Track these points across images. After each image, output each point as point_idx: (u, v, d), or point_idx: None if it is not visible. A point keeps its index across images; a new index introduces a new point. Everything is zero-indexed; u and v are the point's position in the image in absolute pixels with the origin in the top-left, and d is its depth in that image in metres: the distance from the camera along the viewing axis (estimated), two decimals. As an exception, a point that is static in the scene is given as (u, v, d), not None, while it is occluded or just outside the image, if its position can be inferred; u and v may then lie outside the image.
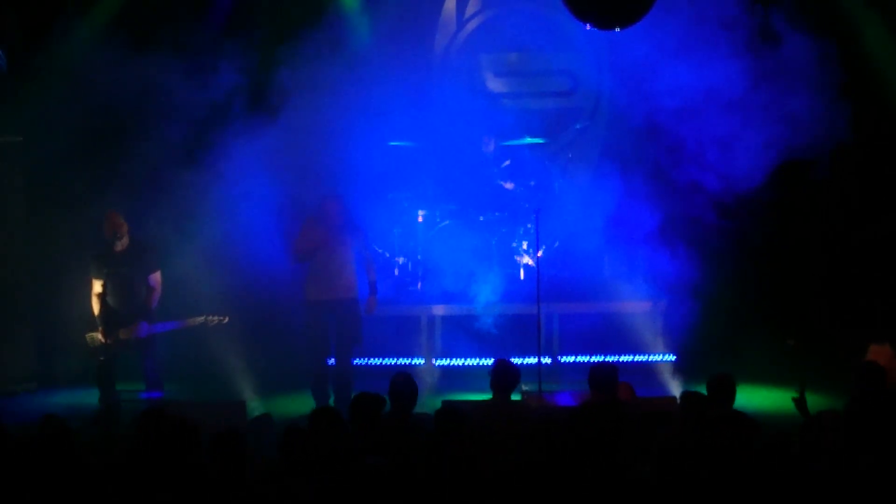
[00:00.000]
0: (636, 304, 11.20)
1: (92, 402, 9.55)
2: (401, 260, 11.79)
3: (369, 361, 11.12)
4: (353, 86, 11.51)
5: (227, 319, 9.56)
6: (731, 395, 6.64)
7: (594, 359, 10.98)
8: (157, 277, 9.50)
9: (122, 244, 9.34)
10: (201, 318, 9.52)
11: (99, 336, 9.31)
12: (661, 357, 11.08)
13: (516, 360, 10.03)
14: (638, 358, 11.04)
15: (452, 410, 6.27)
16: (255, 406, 9.34)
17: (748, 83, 10.80)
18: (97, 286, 9.34)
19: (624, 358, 10.99)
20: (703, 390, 6.58)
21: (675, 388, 10.07)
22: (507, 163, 11.76)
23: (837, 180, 11.49)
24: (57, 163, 11.28)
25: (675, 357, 11.08)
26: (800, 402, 6.79)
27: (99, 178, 11.02)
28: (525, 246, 11.57)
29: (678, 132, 10.94)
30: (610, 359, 10.92)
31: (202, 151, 10.72)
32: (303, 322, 9.88)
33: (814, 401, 9.12)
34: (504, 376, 7.31)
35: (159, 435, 5.66)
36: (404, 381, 6.96)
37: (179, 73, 10.95)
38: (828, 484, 5.27)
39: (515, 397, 7.59)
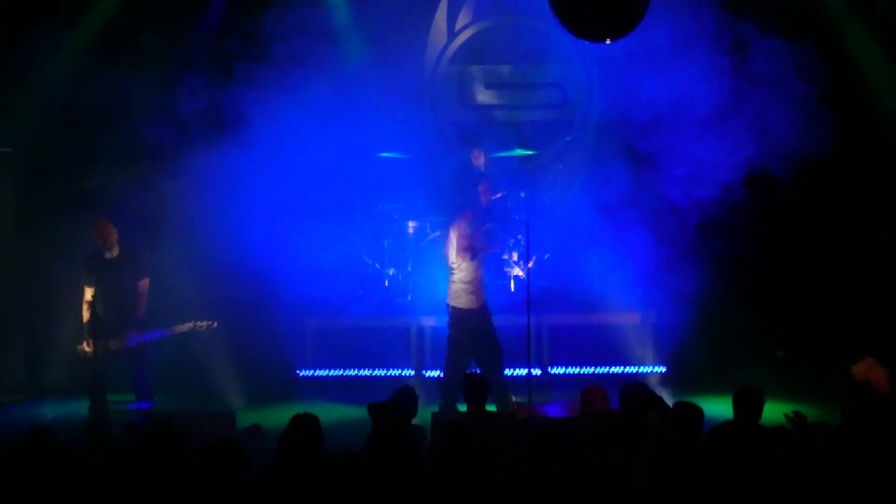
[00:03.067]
0: (626, 316, 11.21)
1: (80, 413, 9.51)
2: (391, 271, 11.79)
3: (359, 373, 11.12)
4: (344, 97, 11.54)
5: (216, 324, 9.50)
6: (759, 409, 6.62)
7: (584, 370, 11.02)
8: (144, 284, 9.44)
9: (111, 251, 9.31)
10: (189, 325, 9.46)
11: (86, 347, 9.25)
12: (651, 368, 11.09)
13: (506, 372, 10.08)
14: (628, 369, 11.05)
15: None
16: (246, 417, 9.30)
17: (737, 95, 10.84)
18: (88, 293, 9.30)
19: (614, 369, 11.01)
20: (695, 401, 6.57)
21: (665, 400, 10.05)
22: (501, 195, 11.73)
23: (825, 191, 11.55)
24: (46, 173, 11.27)
25: (664, 368, 11.10)
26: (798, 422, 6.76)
27: (88, 187, 11.00)
28: (515, 257, 11.58)
29: (667, 144, 10.98)
30: (600, 370, 10.98)
31: (194, 161, 10.71)
32: (453, 332, 9.67)
33: (803, 412, 9.17)
34: (473, 388, 7.39)
35: (145, 447, 5.65)
36: (408, 395, 7.04)
37: (170, 83, 10.98)
38: (822, 495, 5.29)
39: (490, 408, 7.65)
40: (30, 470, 5.60)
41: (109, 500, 5.41)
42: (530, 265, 10.45)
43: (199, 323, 9.45)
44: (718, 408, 9.11)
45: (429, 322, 11.28)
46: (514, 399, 9.71)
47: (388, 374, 11.07)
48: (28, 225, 11.43)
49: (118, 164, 11.21)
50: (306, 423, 6.09)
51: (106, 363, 9.28)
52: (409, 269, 11.67)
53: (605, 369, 11.04)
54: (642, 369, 11.05)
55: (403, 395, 7.12)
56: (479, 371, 9.46)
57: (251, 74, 11.00)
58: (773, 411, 9.50)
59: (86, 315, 9.31)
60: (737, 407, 6.62)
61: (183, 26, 11.43)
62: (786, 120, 10.64)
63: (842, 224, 11.71)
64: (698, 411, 6.33)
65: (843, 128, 10.94)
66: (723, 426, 5.92)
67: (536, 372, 10.62)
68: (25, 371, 11.28)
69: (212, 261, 11.06)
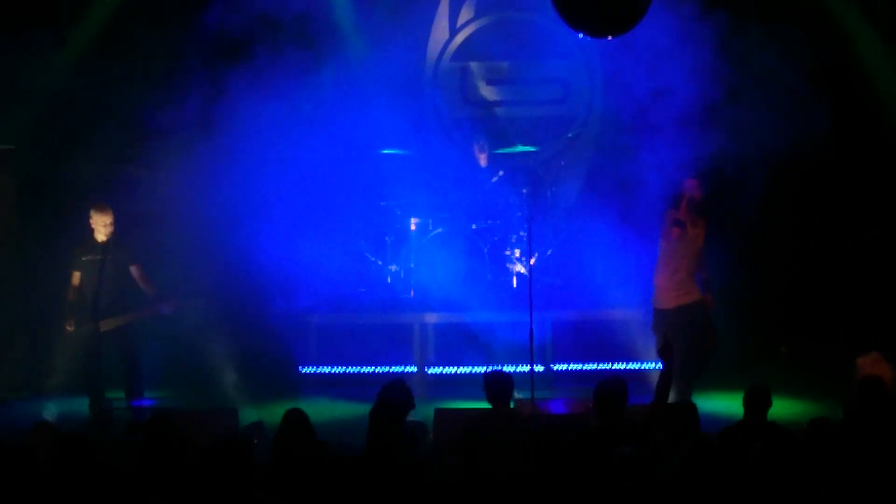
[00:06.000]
0: (629, 312, 11.17)
1: (83, 411, 9.52)
2: (393, 268, 11.78)
3: (362, 369, 11.12)
4: (346, 93, 11.54)
5: (200, 303, 9.57)
6: (766, 406, 6.58)
7: (588, 366, 11.01)
8: (137, 270, 9.52)
9: (105, 235, 9.39)
10: (174, 304, 9.51)
11: (68, 327, 9.32)
12: (653, 364, 11.05)
13: (509, 369, 10.04)
14: (630, 366, 11.02)
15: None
16: (248, 414, 9.29)
17: (737, 89, 10.83)
18: (75, 277, 9.41)
19: (616, 365, 10.98)
20: (698, 397, 6.56)
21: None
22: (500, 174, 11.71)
23: (831, 186, 11.54)
24: (49, 171, 11.27)
25: (667, 365, 11.07)
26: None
27: (90, 185, 11.02)
28: (517, 254, 11.57)
29: (669, 139, 10.96)
30: (603, 367, 10.96)
31: (197, 156, 10.73)
32: (684, 330, 9.14)
33: (806, 408, 9.18)
34: (500, 385, 7.33)
35: (156, 444, 5.65)
36: (398, 389, 6.95)
37: (171, 79, 10.99)
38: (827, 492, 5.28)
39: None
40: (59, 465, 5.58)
41: (110, 497, 5.40)
42: (532, 262, 10.44)
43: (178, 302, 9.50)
44: (721, 404, 9.12)
45: (432, 318, 11.27)
46: (517, 396, 9.69)
47: (391, 370, 11.05)
48: (31, 222, 11.45)
49: (121, 160, 11.23)
50: (296, 418, 6.11)
51: (99, 346, 9.30)
52: (412, 265, 11.66)
53: (608, 366, 11.02)
54: (646, 366, 11.02)
55: (396, 391, 7.02)
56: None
57: (255, 70, 11.00)
58: (778, 407, 9.53)
59: (70, 296, 9.41)
60: (747, 406, 6.56)
61: (182, 22, 11.41)
62: (792, 114, 10.61)
63: (848, 219, 11.69)
64: (691, 410, 6.22)
65: (848, 125, 10.92)
66: (735, 426, 5.90)
67: (539, 368, 10.60)
68: (29, 367, 11.30)
69: (215, 258, 11.06)
